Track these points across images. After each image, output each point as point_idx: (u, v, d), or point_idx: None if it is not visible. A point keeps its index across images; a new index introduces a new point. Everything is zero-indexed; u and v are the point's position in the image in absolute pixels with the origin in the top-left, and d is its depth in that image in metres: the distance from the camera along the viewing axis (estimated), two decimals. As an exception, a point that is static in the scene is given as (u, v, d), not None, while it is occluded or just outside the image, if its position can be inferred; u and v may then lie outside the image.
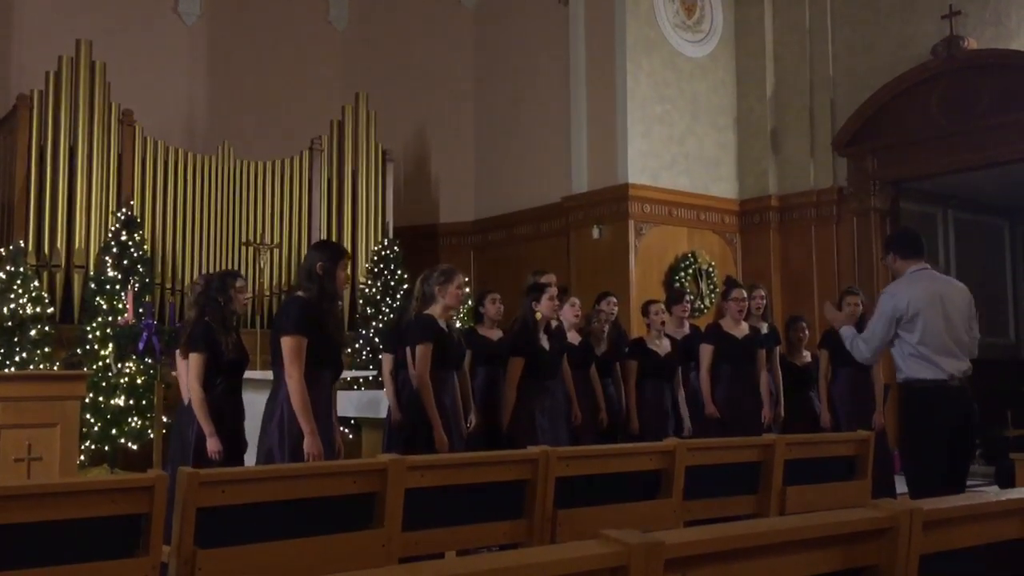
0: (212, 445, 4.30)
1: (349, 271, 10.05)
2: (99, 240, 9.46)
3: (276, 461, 4.00)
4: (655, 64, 9.96)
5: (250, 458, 4.51)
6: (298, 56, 11.97)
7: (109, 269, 9.03)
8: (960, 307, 4.53)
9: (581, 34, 10.18)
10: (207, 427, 4.32)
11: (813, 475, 4.02)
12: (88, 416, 8.25)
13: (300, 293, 4.16)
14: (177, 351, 4.75)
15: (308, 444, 3.92)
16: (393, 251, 10.66)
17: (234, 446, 4.44)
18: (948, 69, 9.02)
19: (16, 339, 8.39)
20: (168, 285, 9.96)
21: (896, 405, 7.39)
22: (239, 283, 4.61)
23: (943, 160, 9.18)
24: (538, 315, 5.49)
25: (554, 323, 5.69)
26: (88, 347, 8.76)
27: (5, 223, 9.54)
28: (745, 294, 6.47)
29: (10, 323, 8.38)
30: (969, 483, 8.14)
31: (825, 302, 5.41)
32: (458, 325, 5.55)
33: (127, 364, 8.71)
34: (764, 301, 6.66)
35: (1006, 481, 6.64)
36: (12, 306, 8.42)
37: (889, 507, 1.96)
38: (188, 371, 4.52)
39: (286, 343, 4.00)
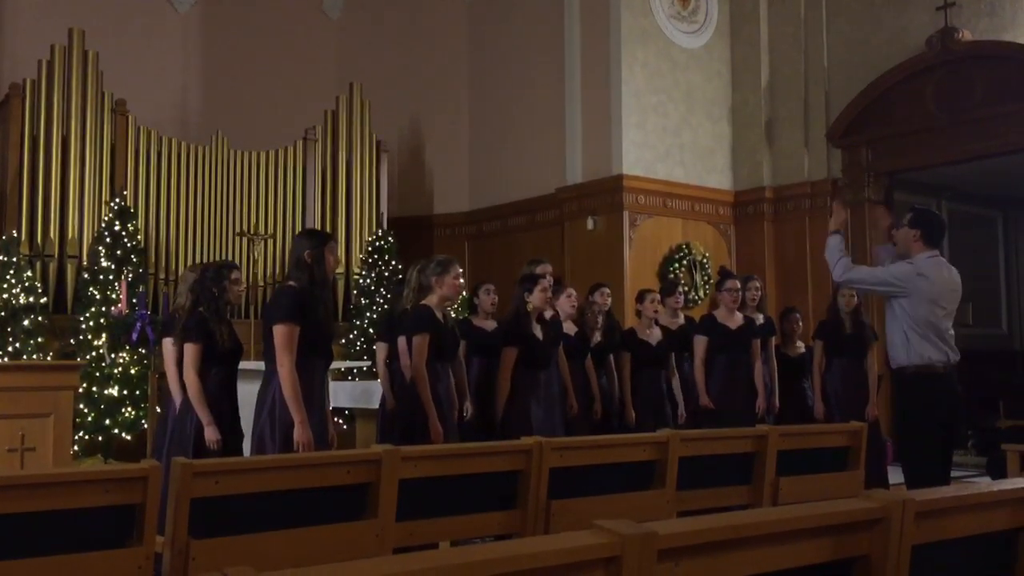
0: (210, 434, 4.31)
1: (339, 259, 10.03)
2: (92, 230, 9.44)
3: (267, 450, 4.00)
4: (650, 55, 9.94)
5: (245, 447, 4.52)
6: (292, 45, 11.92)
7: (102, 259, 9.02)
8: (957, 302, 4.62)
9: (576, 24, 10.16)
10: (205, 417, 4.33)
11: (806, 466, 4.03)
12: (82, 406, 8.25)
13: (291, 283, 4.17)
14: (165, 339, 4.75)
15: (298, 433, 3.93)
16: (387, 242, 10.65)
17: (231, 435, 4.45)
18: (943, 60, 9.02)
19: (9, 329, 8.38)
20: (162, 275, 9.94)
21: (889, 395, 7.42)
22: (235, 274, 4.62)
23: (937, 151, 9.19)
24: (530, 306, 5.49)
25: (548, 313, 5.69)
26: (81, 337, 8.75)
27: (-2, 213, 9.52)
28: (739, 285, 6.48)
29: (3, 313, 8.36)
30: (961, 474, 8.20)
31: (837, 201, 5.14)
32: (453, 316, 5.54)
33: (121, 354, 8.70)
34: (760, 292, 6.67)
35: (998, 472, 6.67)
36: (5, 296, 8.40)
37: (881, 497, 1.97)
38: (175, 361, 4.53)
39: (277, 331, 4.01)
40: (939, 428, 4.47)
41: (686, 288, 9.27)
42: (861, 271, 4.75)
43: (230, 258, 9.93)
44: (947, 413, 4.50)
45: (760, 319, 6.60)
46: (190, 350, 4.38)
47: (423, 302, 4.86)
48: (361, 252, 10.75)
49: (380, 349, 5.60)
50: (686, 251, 9.99)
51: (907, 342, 4.51)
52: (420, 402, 4.69)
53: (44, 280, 9.16)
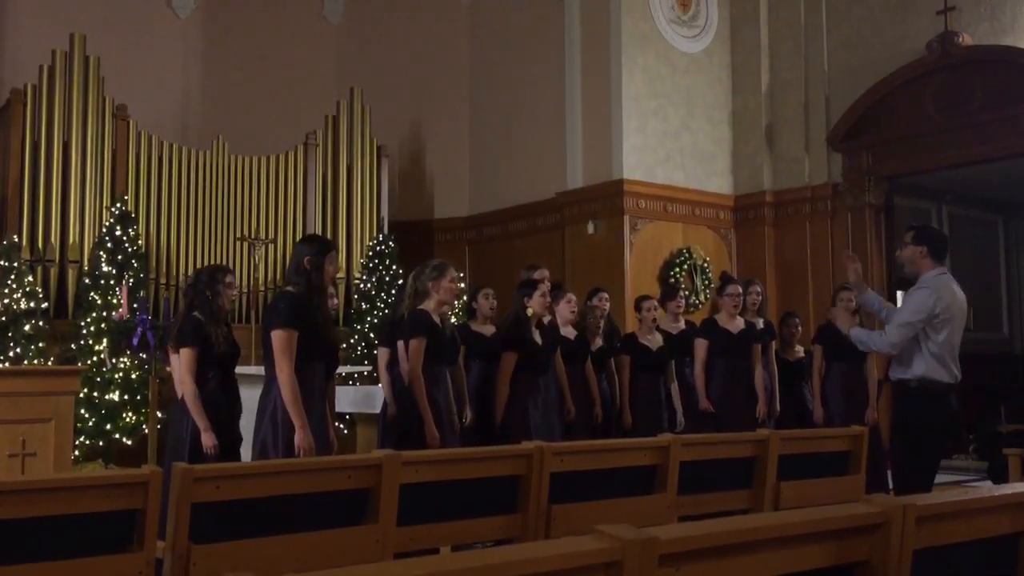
0: (207, 440, 4.30)
1: (340, 264, 10.02)
2: (93, 235, 9.44)
3: (270, 455, 4.00)
4: (650, 59, 9.95)
5: (246, 452, 4.51)
6: (292, 50, 11.93)
7: (103, 264, 9.02)
8: (964, 319, 4.62)
9: (576, 29, 10.17)
10: (201, 422, 4.32)
11: (807, 470, 4.03)
12: (82, 411, 8.24)
13: (289, 288, 4.17)
14: (169, 346, 4.76)
15: (298, 438, 3.93)
16: (388, 246, 10.64)
17: (229, 440, 4.44)
18: (943, 65, 9.02)
19: (10, 334, 8.37)
20: (163, 280, 9.94)
21: (889, 401, 7.41)
22: (228, 278, 4.62)
23: (937, 156, 9.19)
24: (529, 311, 5.49)
25: (546, 318, 5.69)
26: (82, 342, 8.75)
27: (-1, 218, 9.52)
28: (740, 289, 6.49)
29: (4, 318, 8.36)
30: (963, 478, 8.20)
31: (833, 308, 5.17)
32: (452, 320, 5.54)
33: (121, 359, 8.70)
34: (761, 297, 6.68)
35: (999, 476, 6.67)
36: (6, 301, 8.40)
37: (882, 502, 1.97)
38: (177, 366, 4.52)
39: (275, 337, 4.01)
40: (937, 443, 4.53)
41: (687, 292, 9.27)
42: (895, 329, 4.55)
43: (230, 263, 9.93)
44: (945, 430, 4.56)
45: (760, 323, 6.61)
46: (185, 354, 4.38)
47: (420, 307, 4.86)
48: (362, 257, 10.75)
49: (381, 354, 5.60)
50: (687, 255, 9.98)
51: (915, 358, 4.46)
52: (416, 406, 4.69)
53: (45, 285, 9.15)
